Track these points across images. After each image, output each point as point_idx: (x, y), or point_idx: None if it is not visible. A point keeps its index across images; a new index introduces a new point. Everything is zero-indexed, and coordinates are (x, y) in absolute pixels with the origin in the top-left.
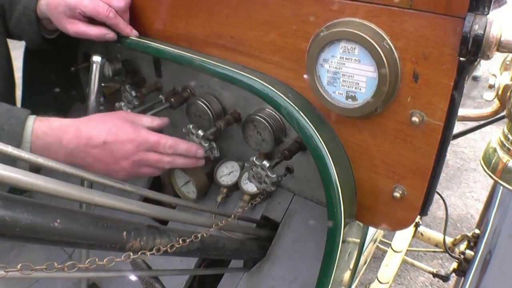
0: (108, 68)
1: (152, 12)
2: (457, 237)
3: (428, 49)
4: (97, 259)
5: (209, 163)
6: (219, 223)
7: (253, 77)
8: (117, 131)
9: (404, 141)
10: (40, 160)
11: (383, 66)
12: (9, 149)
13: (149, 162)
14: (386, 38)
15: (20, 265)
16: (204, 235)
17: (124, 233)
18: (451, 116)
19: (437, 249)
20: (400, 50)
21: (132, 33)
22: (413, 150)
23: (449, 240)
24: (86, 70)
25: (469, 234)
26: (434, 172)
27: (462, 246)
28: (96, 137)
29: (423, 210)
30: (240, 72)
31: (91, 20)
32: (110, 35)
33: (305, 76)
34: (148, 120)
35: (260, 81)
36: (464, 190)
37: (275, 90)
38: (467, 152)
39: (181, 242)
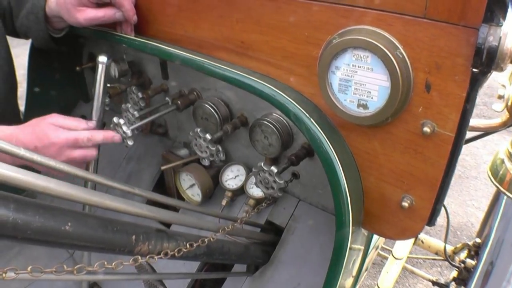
0: (114, 68)
1: (161, 14)
2: (458, 246)
3: (441, 59)
4: (106, 263)
5: (214, 166)
6: (226, 228)
7: (262, 82)
8: (43, 137)
9: (414, 151)
10: (38, 158)
11: (396, 75)
12: (21, 152)
13: (76, 158)
14: (399, 47)
15: (30, 267)
16: (211, 239)
17: (133, 237)
18: (462, 127)
19: (437, 257)
20: (413, 59)
21: (133, 19)
22: (423, 160)
23: (449, 248)
24: (91, 70)
25: (470, 243)
26: (443, 183)
27: (463, 255)
28: (29, 143)
29: (431, 220)
30: (249, 77)
31: (100, 6)
32: (119, 13)
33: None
34: (74, 123)
35: (270, 86)
36: (464, 198)
37: (284, 96)
38: (468, 159)
39: (188, 246)
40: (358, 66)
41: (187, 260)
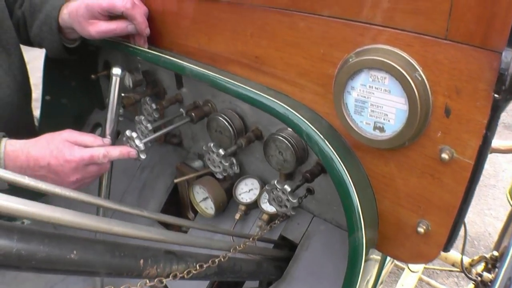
0: (128, 79)
1: (175, 26)
2: (475, 258)
3: (461, 83)
4: (112, 287)
5: (228, 179)
6: (237, 247)
7: (276, 100)
8: (57, 154)
9: (431, 177)
10: (44, 186)
11: (414, 98)
12: (26, 180)
13: (91, 173)
14: (418, 69)
15: None
16: (222, 259)
17: (141, 261)
18: (482, 154)
19: (453, 269)
20: (433, 82)
21: (145, 32)
22: (440, 186)
23: (466, 260)
24: (106, 78)
25: (487, 256)
26: (460, 210)
27: (480, 268)
28: (42, 159)
29: (447, 246)
30: (262, 94)
31: (112, 18)
32: (131, 26)
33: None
34: (91, 139)
35: (283, 105)
36: (482, 207)
37: (297, 115)
38: (487, 167)
39: (198, 267)
40: (375, 88)
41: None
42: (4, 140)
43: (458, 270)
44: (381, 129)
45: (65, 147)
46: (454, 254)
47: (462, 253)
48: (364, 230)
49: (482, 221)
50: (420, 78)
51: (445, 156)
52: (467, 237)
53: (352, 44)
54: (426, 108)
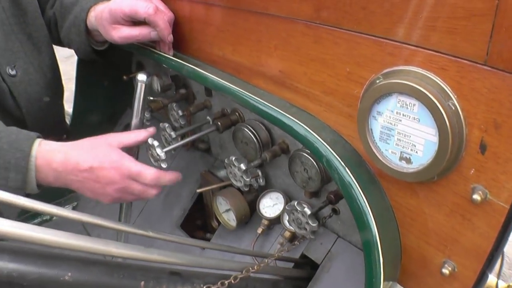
0: (157, 83)
1: (201, 33)
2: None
3: (501, 117)
4: None
5: (253, 191)
6: (250, 268)
7: (295, 120)
8: (103, 158)
9: (461, 217)
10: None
11: (446, 130)
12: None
13: (134, 191)
14: (453, 98)
15: None
16: (233, 281)
17: (142, 283)
18: None
19: None
20: (468, 113)
21: (168, 39)
22: (470, 228)
23: (502, 285)
24: None
25: None
26: (491, 256)
27: None
28: (83, 162)
29: None
30: (282, 112)
31: (136, 24)
32: (154, 32)
33: None
34: (133, 136)
35: (302, 125)
36: None
37: (318, 137)
38: None
39: None
40: (403, 114)
41: None
42: (38, 140)
43: None
44: (408, 161)
45: (113, 152)
46: (489, 277)
47: (498, 277)
48: (383, 265)
49: None
50: (453, 108)
51: (477, 197)
52: (504, 259)
53: (380, 64)
54: (459, 141)
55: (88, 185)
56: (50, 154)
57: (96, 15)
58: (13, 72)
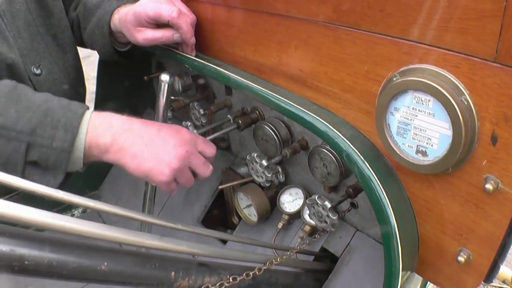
0: (178, 82)
1: (222, 35)
2: None
3: (511, 111)
4: None
5: (273, 187)
6: (273, 260)
7: (316, 116)
8: (173, 126)
9: (475, 206)
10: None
11: (459, 124)
12: (60, 194)
13: (196, 162)
14: (465, 93)
15: None
16: (257, 273)
17: (173, 273)
18: None
19: (504, 286)
20: (479, 107)
21: (191, 41)
22: (483, 217)
23: None
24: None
25: None
26: (504, 242)
27: None
28: (151, 123)
29: (489, 277)
30: (303, 109)
31: (159, 26)
32: (177, 35)
33: None
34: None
35: (323, 121)
36: None
37: (338, 133)
38: None
39: (231, 280)
40: (419, 110)
41: None
42: (89, 112)
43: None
44: (424, 153)
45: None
46: (504, 270)
47: None
48: (402, 255)
49: None
50: (466, 103)
51: (489, 186)
52: None
53: (396, 62)
54: (471, 134)
55: (151, 148)
56: (106, 119)
57: (120, 17)
58: (38, 72)
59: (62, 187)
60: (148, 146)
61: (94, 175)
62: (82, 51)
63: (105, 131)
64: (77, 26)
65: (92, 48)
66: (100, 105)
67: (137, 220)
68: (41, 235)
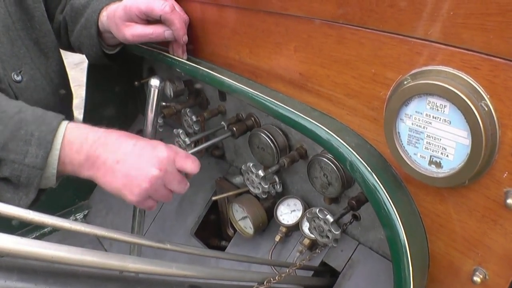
0: (169, 88)
1: (215, 36)
2: None
3: None
4: None
5: (270, 198)
6: (272, 279)
7: (317, 123)
8: (149, 142)
9: (493, 222)
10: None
11: (479, 133)
12: (30, 215)
13: (174, 178)
14: (485, 98)
15: None
16: None
17: None
18: None
19: None
20: (501, 114)
21: (183, 39)
22: (503, 234)
23: None
24: None
25: None
26: None
27: None
28: (128, 137)
29: None
30: (303, 116)
31: (150, 23)
32: (169, 31)
33: None
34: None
35: (325, 129)
36: None
37: (341, 141)
38: None
39: None
40: (433, 117)
41: None
42: (67, 121)
43: None
44: (438, 165)
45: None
46: None
47: None
48: (412, 273)
49: None
50: (486, 109)
51: (510, 201)
52: None
53: (408, 64)
54: (491, 144)
55: (123, 166)
56: (81, 132)
57: (109, 14)
58: (18, 78)
59: (38, 202)
60: (120, 163)
61: (84, 185)
62: (75, 58)
63: (79, 146)
64: (64, 29)
65: (80, 51)
66: (90, 112)
67: (118, 240)
68: (9, 263)
